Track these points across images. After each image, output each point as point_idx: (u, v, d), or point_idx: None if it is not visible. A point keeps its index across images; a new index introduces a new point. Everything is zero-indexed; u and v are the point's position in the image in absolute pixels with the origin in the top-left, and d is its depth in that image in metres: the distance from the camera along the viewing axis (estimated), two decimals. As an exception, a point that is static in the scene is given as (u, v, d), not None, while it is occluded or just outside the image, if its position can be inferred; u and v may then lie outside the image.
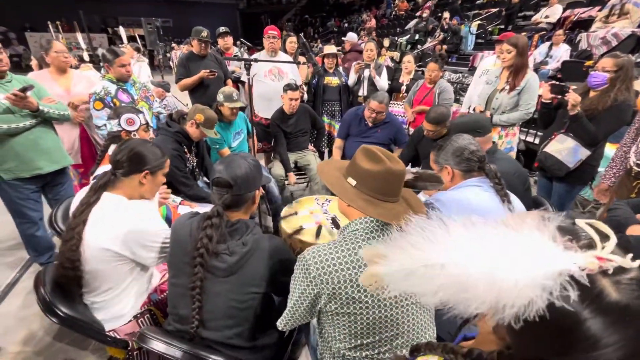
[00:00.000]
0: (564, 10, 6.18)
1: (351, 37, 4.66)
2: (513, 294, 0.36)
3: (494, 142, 1.85)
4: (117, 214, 1.17)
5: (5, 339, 1.81)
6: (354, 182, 0.95)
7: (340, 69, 3.63)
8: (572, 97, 1.89)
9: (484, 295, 0.38)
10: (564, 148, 2.02)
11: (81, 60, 4.64)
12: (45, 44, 2.33)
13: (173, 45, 12.41)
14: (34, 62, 3.01)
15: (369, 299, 0.90)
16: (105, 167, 1.53)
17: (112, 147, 1.66)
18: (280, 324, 1.01)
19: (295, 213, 2.07)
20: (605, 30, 4.57)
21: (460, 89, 5.21)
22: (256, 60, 1.97)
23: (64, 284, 1.17)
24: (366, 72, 3.55)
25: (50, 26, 9.16)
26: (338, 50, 4.24)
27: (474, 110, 2.72)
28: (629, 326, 0.34)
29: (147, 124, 1.76)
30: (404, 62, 3.60)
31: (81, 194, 1.29)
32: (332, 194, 2.35)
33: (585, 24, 5.46)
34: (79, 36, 6.03)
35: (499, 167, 1.38)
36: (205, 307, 1.05)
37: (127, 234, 1.15)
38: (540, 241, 0.38)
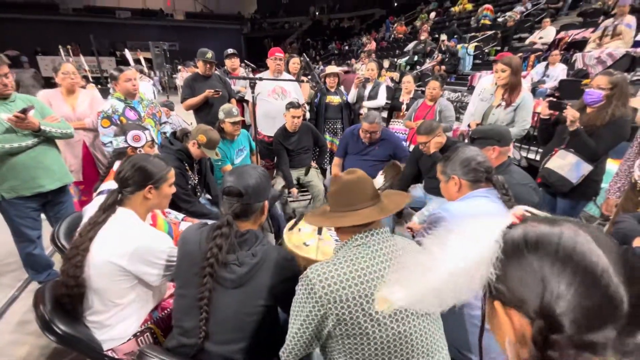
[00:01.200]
0: (558, 32, 6.37)
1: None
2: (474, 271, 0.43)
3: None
4: (127, 230, 1.17)
5: (1, 357, 1.76)
6: (328, 208, 1.06)
7: (342, 88, 3.73)
8: (570, 112, 1.93)
9: (465, 286, 0.43)
10: (566, 164, 2.02)
11: (87, 80, 4.88)
12: (58, 66, 2.43)
13: (180, 67, 12.82)
14: None
15: (381, 314, 0.86)
16: (109, 184, 1.54)
17: (117, 163, 1.68)
18: (283, 354, 0.94)
19: (299, 230, 2.05)
20: (600, 51, 4.69)
21: (460, 107, 5.29)
22: (261, 79, 2.03)
23: (66, 303, 1.15)
24: (366, 92, 3.64)
25: (61, 50, 9.53)
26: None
27: (469, 126, 2.76)
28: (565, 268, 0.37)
29: (152, 140, 1.79)
30: (404, 82, 3.69)
31: (90, 211, 1.29)
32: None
33: (579, 45, 5.62)
34: (82, 59, 6.42)
35: (513, 178, 1.38)
36: (213, 319, 1.02)
37: (135, 250, 1.14)
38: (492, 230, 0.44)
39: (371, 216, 0.95)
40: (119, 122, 2.28)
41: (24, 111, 1.76)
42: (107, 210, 1.19)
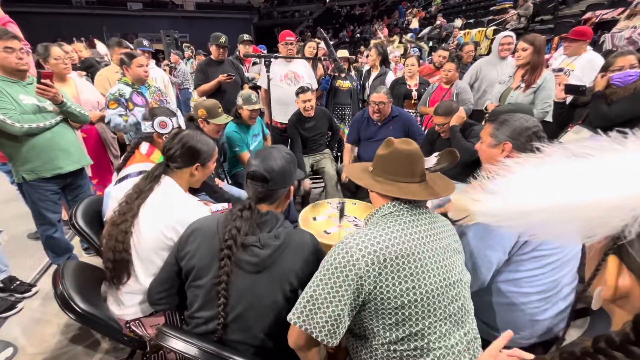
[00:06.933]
0: (585, 12, 6.05)
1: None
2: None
3: None
4: (173, 201, 1.20)
5: (22, 339, 1.80)
6: (371, 168, 1.04)
7: (353, 73, 3.63)
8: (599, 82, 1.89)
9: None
10: (578, 138, 1.92)
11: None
12: (43, 50, 2.25)
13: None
14: None
15: (422, 268, 0.85)
16: (136, 166, 1.51)
17: (143, 144, 1.64)
18: (326, 337, 0.83)
19: (314, 219, 2.02)
20: (631, 30, 4.42)
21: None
22: (277, 57, 2.00)
23: (109, 269, 1.16)
24: (371, 78, 3.54)
25: (75, 42, 9.65)
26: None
27: (486, 109, 2.64)
28: None
29: (179, 127, 1.75)
30: (407, 65, 3.39)
31: (115, 193, 1.31)
32: (347, 198, 2.31)
33: (608, 25, 5.32)
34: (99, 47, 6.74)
35: None
36: (233, 305, 0.96)
37: (181, 221, 1.15)
38: None
39: (419, 194, 0.93)
40: (126, 104, 2.26)
41: (49, 78, 1.80)
42: (152, 180, 1.21)
